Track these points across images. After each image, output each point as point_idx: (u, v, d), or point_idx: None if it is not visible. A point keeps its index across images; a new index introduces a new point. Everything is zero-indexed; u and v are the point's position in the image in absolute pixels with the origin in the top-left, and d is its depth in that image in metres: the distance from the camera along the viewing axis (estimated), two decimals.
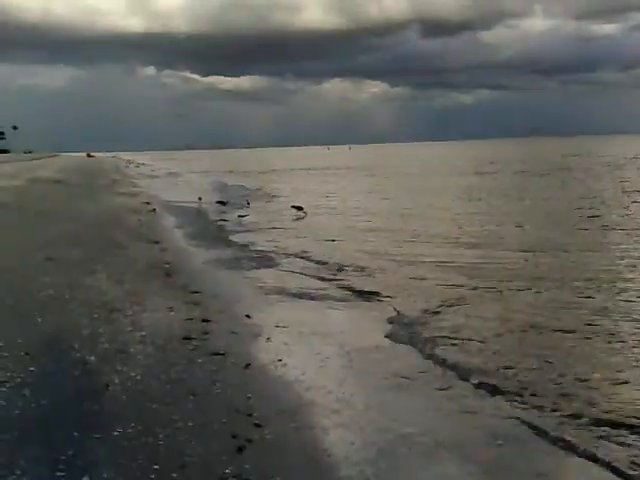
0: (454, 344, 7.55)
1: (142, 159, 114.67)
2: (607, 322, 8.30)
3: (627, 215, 19.81)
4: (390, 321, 8.59)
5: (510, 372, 6.61)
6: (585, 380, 6.34)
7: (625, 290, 9.97)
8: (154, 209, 22.51)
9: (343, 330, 8.13)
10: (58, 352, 6.39)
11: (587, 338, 7.68)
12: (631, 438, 5.05)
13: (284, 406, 5.50)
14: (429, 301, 9.57)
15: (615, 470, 4.61)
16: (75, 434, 4.60)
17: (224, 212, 23.98)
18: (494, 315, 8.76)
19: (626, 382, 6.32)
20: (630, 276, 11.00)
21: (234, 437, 4.70)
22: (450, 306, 9.24)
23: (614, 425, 5.27)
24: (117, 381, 5.66)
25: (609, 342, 7.48)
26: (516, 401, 5.89)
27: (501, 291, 10.20)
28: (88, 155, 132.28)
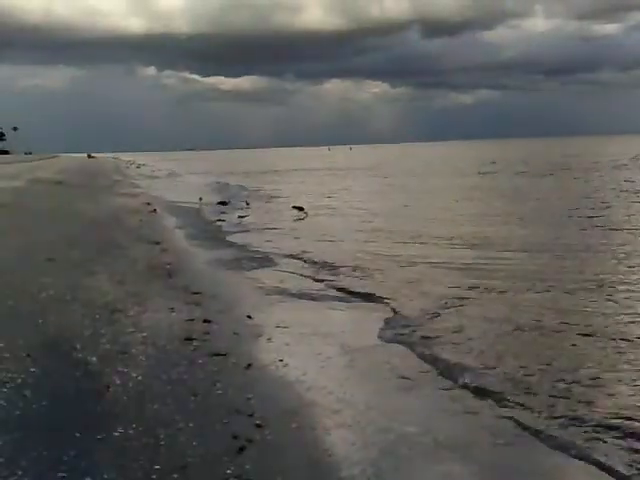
0: (454, 344, 7.54)
1: (142, 160, 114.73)
2: (607, 323, 8.28)
3: (630, 215, 19.74)
4: (390, 322, 8.60)
5: (510, 373, 6.59)
6: (584, 381, 6.32)
7: (626, 292, 9.91)
8: (154, 209, 22.52)
9: (344, 330, 8.13)
10: (59, 353, 6.41)
11: (587, 338, 7.65)
12: (630, 441, 5.04)
13: (285, 406, 5.51)
14: (429, 302, 9.56)
15: (613, 472, 4.61)
16: (76, 435, 4.61)
17: (225, 212, 23.98)
18: (494, 316, 8.74)
19: (627, 384, 6.30)
20: (631, 277, 10.94)
21: (235, 437, 4.71)
22: (450, 307, 9.24)
23: (614, 427, 5.25)
24: (118, 382, 5.67)
25: (609, 343, 7.45)
26: (516, 402, 5.88)
27: (502, 292, 10.17)
28: (89, 156, 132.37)
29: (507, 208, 23.69)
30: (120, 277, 10.14)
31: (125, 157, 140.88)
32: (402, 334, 7.99)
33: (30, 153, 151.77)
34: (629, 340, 7.52)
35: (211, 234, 17.89)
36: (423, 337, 7.85)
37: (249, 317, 8.47)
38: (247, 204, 26.81)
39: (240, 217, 22.24)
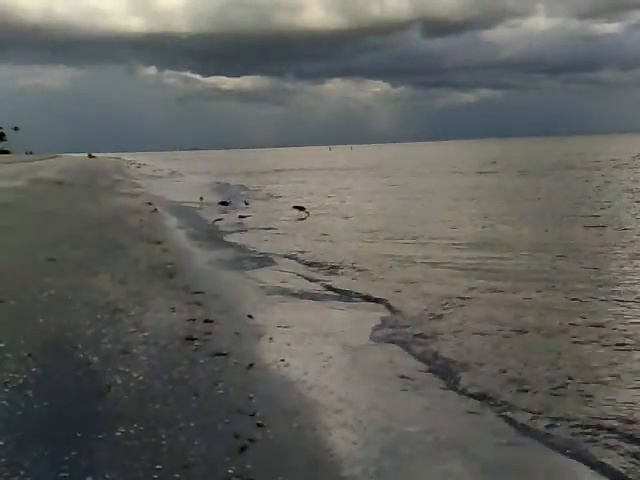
0: (455, 344, 7.53)
1: (143, 159, 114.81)
2: (609, 324, 8.25)
3: (634, 215, 19.66)
4: (391, 322, 8.59)
5: (510, 373, 6.59)
6: (584, 382, 6.30)
7: (627, 293, 9.86)
8: (155, 209, 22.54)
9: (345, 330, 8.13)
10: (60, 353, 6.41)
11: (588, 339, 7.63)
12: (629, 442, 5.03)
13: (287, 406, 5.51)
14: (429, 302, 9.55)
15: (611, 473, 4.61)
16: (78, 435, 4.61)
17: (226, 212, 23.99)
18: (495, 316, 8.73)
19: (628, 385, 6.29)
20: (633, 279, 10.89)
21: (237, 437, 4.71)
22: (450, 307, 9.22)
23: (614, 428, 5.24)
24: (120, 382, 5.68)
25: (610, 344, 7.43)
26: (515, 402, 5.88)
27: (502, 292, 10.15)
28: (89, 156, 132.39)
29: (508, 208, 23.67)
30: (121, 277, 10.15)
31: (126, 157, 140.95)
32: (402, 334, 7.99)
33: (31, 153, 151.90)
34: (631, 342, 7.48)
35: (212, 234, 17.89)
36: (423, 337, 7.84)
37: (250, 317, 8.47)
38: (246, 204, 26.80)
39: (241, 217, 22.24)
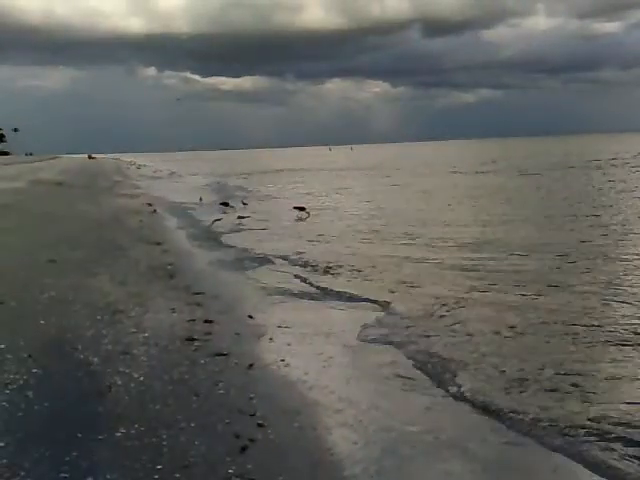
0: (453, 345, 7.54)
1: (143, 160, 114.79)
2: (609, 325, 8.23)
3: (635, 215, 19.61)
4: (391, 322, 8.59)
5: (509, 374, 6.59)
6: (583, 383, 6.29)
7: (628, 294, 9.79)
8: (155, 210, 22.56)
9: (345, 330, 8.13)
10: (61, 354, 6.41)
11: (585, 341, 7.61)
12: (628, 443, 5.03)
13: (287, 406, 5.51)
14: (428, 303, 9.55)
15: (610, 475, 4.62)
16: (78, 435, 4.62)
17: (225, 213, 23.99)
18: (493, 317, 8.74)
19: (627, 387, 6.29)
20: (633, 280, 10.82)
21: (237, 437, 4.72)
22: (449, 308, 9.21)
23: (613, 430, 5.23)
24: (120, 382, 5.68)
25: (610, 346, 7.39)
26: (515, 402, 5.89)
27: (499, 292, 10.14)
28: (89, 157, 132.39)
29: (507, 208, 23.67)
30: (121, 278, 10.15)
31: (126, 158, 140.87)
32: (402, 335, 7.99)
33: (31, 154, 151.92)
34: (632, 343, 7.45)
35: (211, 235, 17.89)
36: (423, 337, 7.85)
37: (250, 317, 8.48)
38: (244, 204, 26.77)
39: (240, 217, 22.24)
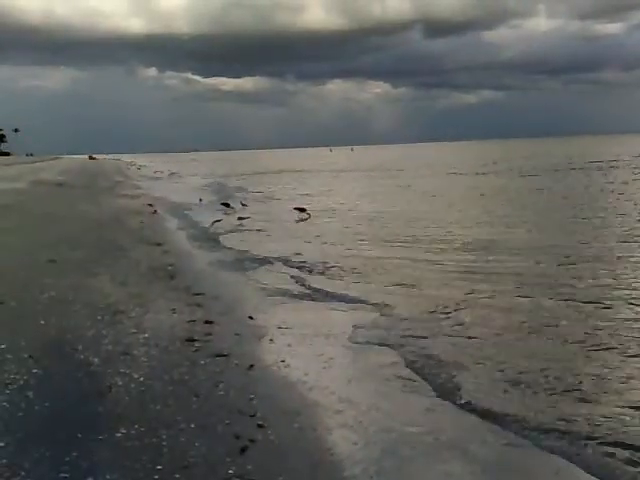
0: (452, 346, 7.53)
1: (144, 161, 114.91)
2: (608, 330, 8.21)
3: (635, 217, 19.55)
4: (390, 323, 8.59)
5: (508, 374, 6.60)
6: (582, 386, 6.29)
7: (630, 298, 9.71)
8: (155, 211, 22.57)
9: (345, 331, 8.13)
10: (61, 354, 6.42)
11: (585, 343, 7.59)
12: (627, 447, 5.03)
13: (287, 407, 5.51)
14: (429, 304, 9.53)
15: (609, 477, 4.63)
16: (79, 435, 4.62)
17: (226, 214, 23.99)
18: (491, 319, 8.73)
19: (627, 389, 6.29)
20: (633, 283, 10.78)
21: (237, 438, 4.72)
22: (449, 310, 9.20)
23: (612, 432, 5.23)
24: (120, 383, 5.69)
25: (609, 348, 7.36)
26: (512, 404, 5.90)
27: (498, 295, 10.09)
28: (90, 157, 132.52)
29: (508, 210, 23.64)
30: (122, 278, 10.16)
31: (126, 158, 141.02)
32: (402, 336, 7.98)
33: (31, 155, 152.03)
34: (630, 344, 7.44)
35: (212, 236, 17.90)
36: (422, 338, 7.84)
37: (251, 318, 8.48)
38: (244, 205, 26.74)
39: (240, 218, 22.24)
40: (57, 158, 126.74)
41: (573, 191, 30.27)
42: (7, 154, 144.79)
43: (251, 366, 6.44)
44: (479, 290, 10.40)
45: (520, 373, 6.61)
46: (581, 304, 9.38)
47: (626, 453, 4.88)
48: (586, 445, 5.03)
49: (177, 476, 4.15)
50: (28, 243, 13.24)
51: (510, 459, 4.94)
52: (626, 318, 8.58)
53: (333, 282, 11.39)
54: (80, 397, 5.38)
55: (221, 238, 17.46)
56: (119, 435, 4.67)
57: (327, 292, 10.53)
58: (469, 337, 7.89)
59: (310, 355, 7.11)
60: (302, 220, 22.10)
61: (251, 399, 5.51)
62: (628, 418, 5.50)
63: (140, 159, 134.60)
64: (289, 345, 7.37)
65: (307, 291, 10.62)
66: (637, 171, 40.85)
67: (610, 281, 10.93)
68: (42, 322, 7.36)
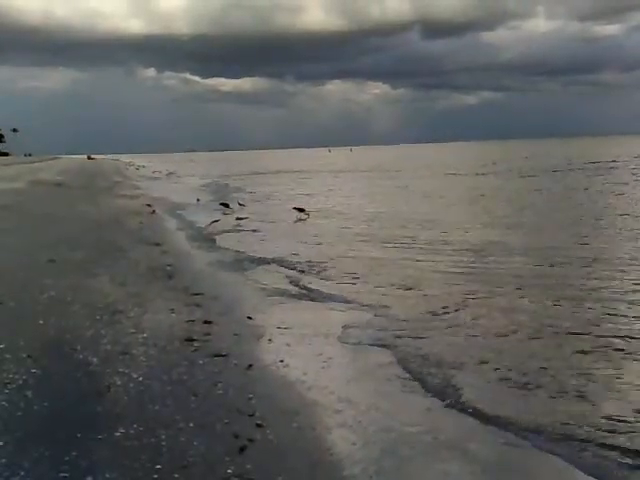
0: (451, 347, 7.53)
1: (142, 161, 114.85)
2: (606, 331, 8.21)
3: (635, 218, 19.53)
4: (389, 324, 8.59)
5: (506, 375, 6.60)
6: (581, 387, 6.29)
7: (628, 299, 9.69)
8: (154, 211, 22.57)
9: (344, 331, 8.13)
10: (60, 354, 6.42)
11: (584, 345, 7.57)
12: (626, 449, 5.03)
13: (286, 406, 5.52)
14: (428, 306, 9.54)
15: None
16: (78, 435, 4.63)
17: (225, 214, 24.00)
18: (491, 320, 8.73)
19: (626, 391, 6.29)
20: (632, 285, 10.74)
21: (236, 437, 4.73)
22: (448, 311, 9.20)
23: (612, 437, 5.22)
24: (119, 382, 5.69)
25: (609, 352, 7.35)
26: (514, 406, 5.91)
27: (498, 296, 10.11)
28: (89, 157, 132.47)
29: (507, 211, 23.64)
30: (121, 278, 10.16)
31: (125, 159, 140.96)
32: (401, 336, 7.98)
33: (30, 155, 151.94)
34: (628, 346, 7.43)
35: (210, 236, 17.89)
36: (421, 339, 7.85)
37: (250, 318, 8.48)
38: (242, 205, 26.72)
39: (239, 219, 22.25)
40: (55, 158, 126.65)
41: (572, 192, 30.29)
42: (6, 154, 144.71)
43: (250, 366, 6.45)
44: (478, 291, 10.40)
45: (518, 374, 6.61)
46: (580, 305, 9.39)
47: (625, 455, 4.88)
48: (585, 447, 5.03)
49: (176, 475, 4.15)
50: (27, 243, 13.24)
51: (509, 460, 4.94)
52: (626, 319, 8.59)
53: (332, 282, 11.40)
54: (79, 397, 5.39)
55: (220, 238, 17.45)
56: (118, 434, 4.67)
57: (326, 292, 10.54)
58: (470, 338, 7.90)
59: (309, 355, 7.12)
60: (301, 220, 22.10)
61: (250, 399, 5.52)
62: (628, 420, 5.50)
63: (139, 159, 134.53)
64: (288, 345, 7.38)
65: (306, 291, 10.62)
66: (636, 172, 40.87)
67: (610, 282, 10.92)
68: (41, 322, 7.36)
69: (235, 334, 7.61)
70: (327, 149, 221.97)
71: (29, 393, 5.28)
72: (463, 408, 5.76)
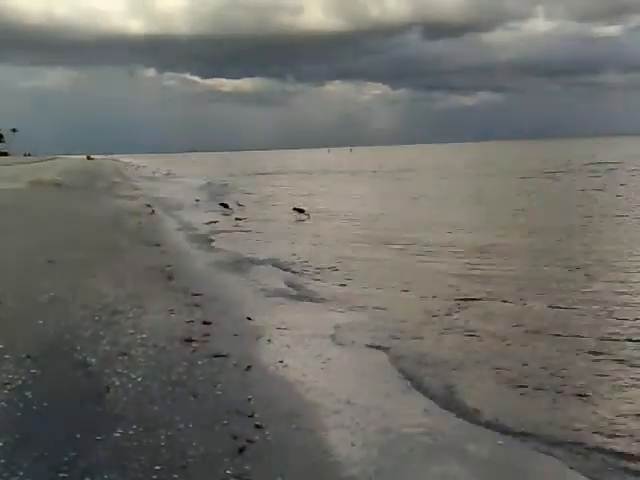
0: (450, 348, 7.55)
1: (142, 162, 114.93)
2: (606, 332, 8.22)
3: (635, 220, 19.50)
4: (388, 325, 8.60)
5: (506, 378, 6.61)
6: (580, 389, 6.30)
7: (628, 302, 9.66)
8: (153, 211, 22.58)
9: (343, 332, 8.13)
10: (59, 354, 6.42)
11: (583, 347, 7.59)
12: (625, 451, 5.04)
13: (285, 407, 5.52)
14: (425, 306, 9.58)
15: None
16: (77, 436, 4.63)
17: (226, 215, 24.00)
18: (490, 321, 8.75)
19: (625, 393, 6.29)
20: (631, 288, 10.72)
21: (235, 438, 4.73)
22: (447, 312, 9.22)
23: (611, 439, 5.23)
24: (118, 383, 5.69)
25: (608, 355, 7.34)
26: (513, 406, 5.91)
27: (497, 298, 10.11)
28: (88, 158, 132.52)
29: (506, 212, 23.65)
30: (120, 279, 10.16)
31: (125, 159, 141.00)
32: (399, 337, 8.00)
33: (29, 155, 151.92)
34: (626, 348, 7.44)
35: (210, 236, 17.89)
36: (420, 340, 7.87)
37: (249, 319, 8.48)
38: (241, 205, 26.70)
39: (238, 219, 22.24)
40: (55, 158, 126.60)
41: (572, 193, 30.32)
42: (5, 154, 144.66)
43: (249, 367, 6.45)
44: (476, 292, 10.41)
45: (516, 376, 6.62)
46: (579, 308, 9.39)
47: (625, 459, 4.88)
48: (585, 449, 5.03)
49: (175, 476, 4.15)
50: (27, 244, 13.22)
51: (507, 461, 4.94)
52: (626, 322, 8.57)
53: (331, 283, 11.41)
54: (78, 397, 5.39)
55: (219, 239, 17.45)
56: (117, 435, 4.67)
57: (325, 293, 10.55)
58: (469, 338, 7.92)
59: (308, 356, 7.12)
60: (301, 221, 22.09)
61: (249, 399, 5.52)
62: (628, 422, 5.50)
63: (138, 159, 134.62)
64: (287, 346, 7.38)
65: (305, 292, 10.63)
66: (636, 173, 40.88)
67: (609, 283, 10.94)
68: (40, 322, 7.36)
69: (234, 335, 7.61)
70: (327, 149, 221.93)
71: (28, 393, 5.28)
72: (462, 410, 5.76)
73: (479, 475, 4.62)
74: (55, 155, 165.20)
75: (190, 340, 7.11)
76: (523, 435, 5.25)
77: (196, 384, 5.80)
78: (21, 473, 4.06)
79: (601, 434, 5.27)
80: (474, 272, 12.22)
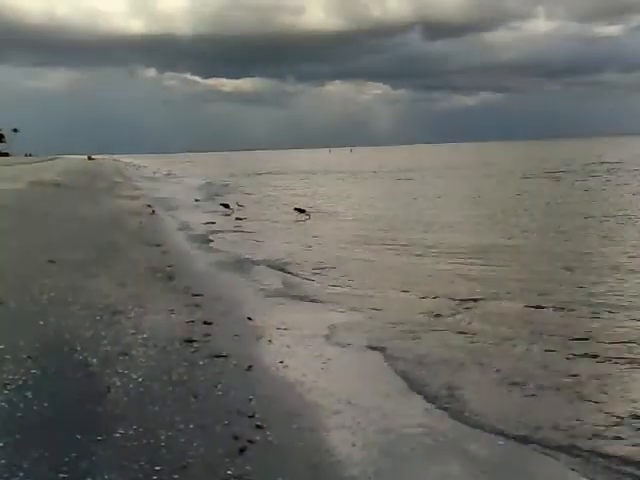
0: (449, 348, 7.54)
1: (143, 162, 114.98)
2: (606, 333, 8.22)
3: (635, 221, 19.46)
4: (388, 326, 8.60)
5: (505, 378, 6.60)
6: (580, 390, 6.29)
7: (627, 304, 9.59)
8: (153, 211, 22.58)
9: (343, 333, 8.13)
10: (60, 354, 6.42)
11: (582, 349, 7.58)
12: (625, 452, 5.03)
13: (286, 407, 5.52)
14: (424, 307, 9.56)
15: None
16: (77, 436, 4.63)
17: (227, 215, 24.00)
18: (489, 322, 8.74)
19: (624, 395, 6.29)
20: (631, 291, 10.66)
21: (236, 438, 4.72)
22: (446, 313, 9.21)
23: (610, 442, 5.21)
24: (119, 383, 5.69)
25: (608, 357, 7.32)
26: (513, 407, 5.91)
27: (496, 299, 10.09)
28: (89, 158, 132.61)
29: (505, 212, 23.63)
30: (121, 279, 10.16)
31: (125, 159, 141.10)
32: (399, 338, 7.99)
33: (30, 155, 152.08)
34: (625, 350, 7.42)
35: (210, 236, 17.89)
36: (419, 341, 7.85)
37: (250, 319, 8.48)
38: (241, 206, 26.70)
39: (238, 219, 22.24)
40: (56, 158, 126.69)
41: (572, 194, 30.30)
42: (6, 154, 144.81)
43: (250, 367, 6.45)
44: (477, 292, 10.41)
45: (515, 377, 6.59)
46: (579, 308, 9.38)
47: (625, 461, 4.87)
48: (585, 451, 5.01)
49: (176, 476, 4.15)
50: (27, 244, 13.23)
51: (507, 462, 4.93)
52: (628, 324, 8.56)
53: (332, 284, 11.40)
54: (79, 397, 5.38)
55: (219, 239, 17.45)
56: (118, 435, 4.67)
57: (325, 294, 10.55)
58: (468, 338, 7.91)
59: (308, 356, 7.11)
60: (301, 221, 22.09)
61: (250, 400, 5.52)
62: (630, 425, 5.48)
63: (139, 160, 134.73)
64: (287, 346, 7.38)
65: (306, 292, 10.62)
66: (637, 173, 40.86)
67: (610, 284, 10.93)
68: (41, 322, 7.36)
69: (235, 335, 7.61)
70: (328, 150, 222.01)
71: (29, 394, 5.28)
72: (462, 410, 5.76)
73: (479, 476, 4.61)
74: (56, 155, 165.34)
75: (191, 340, 7.11)
76: (524, 436, 5.24)
77: (197, 384, 5.80)
78: (21, 473, 4.06)
79: (603, 437, 5.25)
80: (474, 272, 12.21)
